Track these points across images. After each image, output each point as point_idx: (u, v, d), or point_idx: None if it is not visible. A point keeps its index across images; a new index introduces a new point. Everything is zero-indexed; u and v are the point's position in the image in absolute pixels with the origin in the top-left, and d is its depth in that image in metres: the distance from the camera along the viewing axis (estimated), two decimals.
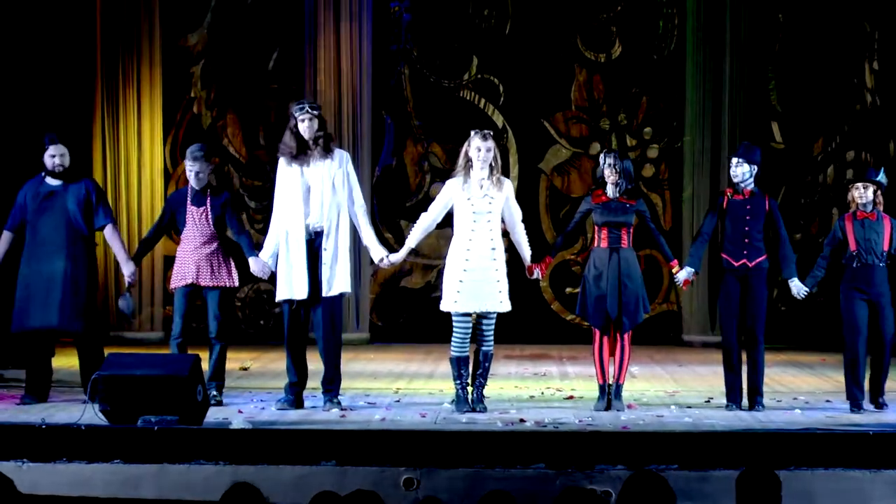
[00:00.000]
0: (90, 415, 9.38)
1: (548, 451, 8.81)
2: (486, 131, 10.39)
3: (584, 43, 16.54)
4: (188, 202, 10.80)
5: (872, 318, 10.50)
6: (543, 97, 16.59)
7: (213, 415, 9.82)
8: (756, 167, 10.67)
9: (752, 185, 10.66)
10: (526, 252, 10.59)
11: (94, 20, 16.02)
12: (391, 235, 16.41)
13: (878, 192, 10.63)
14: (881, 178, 10.76)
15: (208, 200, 10.78)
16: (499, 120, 16.55)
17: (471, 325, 10.31)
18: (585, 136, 16.62)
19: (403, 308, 16.63)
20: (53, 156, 10.74)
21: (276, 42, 16.46)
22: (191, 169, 10.81)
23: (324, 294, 10.47)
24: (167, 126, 16.26)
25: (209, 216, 10.75)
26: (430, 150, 16.60)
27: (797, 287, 10.70)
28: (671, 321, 16.48)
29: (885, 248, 10.52)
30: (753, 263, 10.58)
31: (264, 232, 10.90)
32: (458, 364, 10.31)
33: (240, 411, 10.16)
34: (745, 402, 10.59)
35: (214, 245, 10.76)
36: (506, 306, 10.36)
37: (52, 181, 10.78)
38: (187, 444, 8.88)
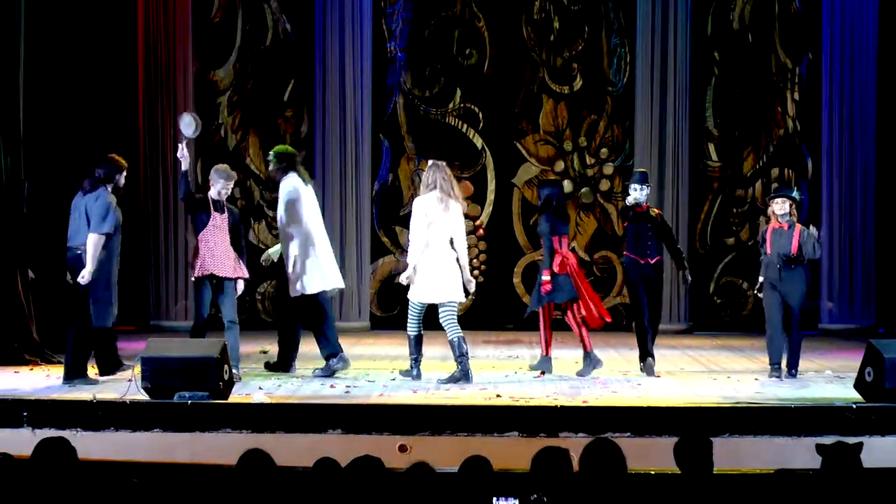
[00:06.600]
0: (134, 391, 9.40)
1: (520, 420, 8.85)
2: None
3: (551, 77, 16.52)
4: (211, 209, 11.01)
5: (786, 308, 10.86)
6: (516, 123, 16.56)
7: (238, 390, 9.85)
8: (648, 188, 11.36)
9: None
10: None
11: (137, 58, 16.01)
12: (388, 239, 16.44)
13: (793, 206, 10.91)
14: (795, 194, 11.04)
15: (226, 209, 11.11)
16: (478, 142, 16.53)
17: (422, 311, 10.71)
18: (552, 156, 16.59)
19: (398, 301, 16.59)
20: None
21: (289, 76, 16.43)
22: (225, 185, 11.07)
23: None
24: (199, 148, 16.20)
25: (228, 221, 11.04)
26: (420, 168, 16.56)
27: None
28: (624, 312, 16.45)
29: (794, 251, 10.71)
30: (654, 261, 11.30)
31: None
32: (415, 341, 10.77)
33: (260, 388, 10.16)
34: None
35: (230, 244, 11.02)
36: (451, 296, 10.69)
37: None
38: (216, 416, 8.91)
